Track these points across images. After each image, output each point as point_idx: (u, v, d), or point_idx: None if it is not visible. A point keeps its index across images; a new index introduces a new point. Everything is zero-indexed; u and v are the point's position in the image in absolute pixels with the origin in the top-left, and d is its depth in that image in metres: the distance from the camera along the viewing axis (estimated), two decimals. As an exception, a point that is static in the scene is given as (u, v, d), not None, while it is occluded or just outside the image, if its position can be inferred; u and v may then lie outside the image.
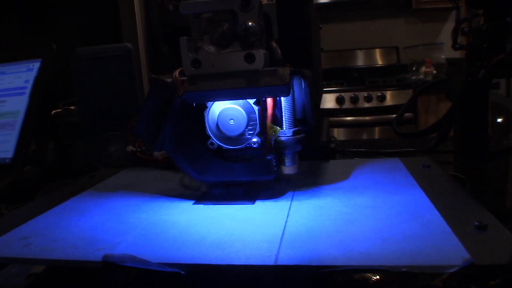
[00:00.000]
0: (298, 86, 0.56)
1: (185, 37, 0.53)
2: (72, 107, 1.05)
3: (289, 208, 0.52)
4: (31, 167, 0.91)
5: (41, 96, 0.86)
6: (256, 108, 0.55)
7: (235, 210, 0.54)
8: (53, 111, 1.03)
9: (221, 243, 0.43)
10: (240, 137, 0.56)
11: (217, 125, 0.56)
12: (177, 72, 0.54)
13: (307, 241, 0.42)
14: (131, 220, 0.52)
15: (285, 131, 0.56)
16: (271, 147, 0.56)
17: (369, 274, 0.40)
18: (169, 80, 0.56)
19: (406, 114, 0.93)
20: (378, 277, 0.40)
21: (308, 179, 0.64)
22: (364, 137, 2.65)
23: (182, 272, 0.38)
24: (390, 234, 0.42)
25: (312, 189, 0.59)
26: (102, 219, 0.53)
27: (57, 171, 0.92)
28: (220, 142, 0.57)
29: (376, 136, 2.65)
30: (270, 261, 0.38)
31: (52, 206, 0.60)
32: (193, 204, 0.57)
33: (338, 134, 2.65)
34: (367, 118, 2.63)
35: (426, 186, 0.56)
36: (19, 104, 0.86)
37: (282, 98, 0.56)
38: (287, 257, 0.38)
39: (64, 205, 0.60)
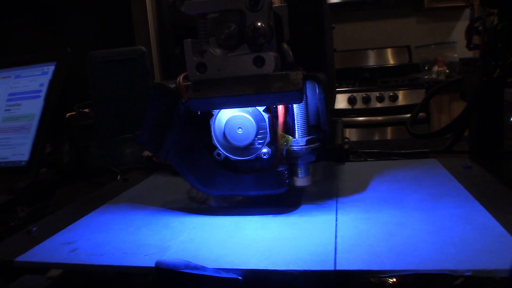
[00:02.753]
0: (311, 91, 0.52)
1: (190, 40, 0.50)
2: (87, 110, 1.06)
3: (336, 212, 0.51)
4: (47, 170, 0.92)
5: (56, 99, 0.86)
6: (266, 115, 0.51)
7: (279, 214, 0.52)
8: (68, 114, 1.04)
9: (273, 248, 0.42)
10: (249, 147, 0.52)
11: (224, 134, 0.52)
12: (181, 77, 0.51)
13: (362, 244, 0.41)
14: (175, 224, 0.51)
15: (298, 140, 0.52)
16: (283, 158, 0.52)
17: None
18: (173, 85, 0.52)
19: (419, 114, 0.92)
20: (395, 279, 0.40)
21: (348, 183, 0.63)
22: (376, 137, 2.64)
23: (240, 278, 0.37)
24: (446, 237, 0.41)
25: (355, 193, 0.58)
26: (144, 223, 0.52)
27: (73, 173, 0.93)
28: (227, 153, 0.53)
29: (389, 136, 2.63)
30: (329, 267, 0.37)
31: (89, 210, 0.59)
32: (235, 208, 0.56)
33: (350, 134, 2.64)
34: (379, 118, 2.62)
35: (471, 188, 0.54)
36: (34, 107, 0.87)
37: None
38: (346, 262, 0.37)
39: (102, 209, 0.60)
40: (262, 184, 0.52)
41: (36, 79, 0.89)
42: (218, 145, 0.53)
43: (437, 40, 3.06)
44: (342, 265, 0.37)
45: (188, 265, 0.38)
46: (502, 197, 0.51)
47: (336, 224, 0.47)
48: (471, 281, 0.36)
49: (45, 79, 0.88)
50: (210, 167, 0.54)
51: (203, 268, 0.38)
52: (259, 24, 0.47)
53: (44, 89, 0.87)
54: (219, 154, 0.53)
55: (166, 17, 1.87)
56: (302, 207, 0.54)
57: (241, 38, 0.49)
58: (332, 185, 0.62)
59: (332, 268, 0.37)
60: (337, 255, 0.39)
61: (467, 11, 0.78)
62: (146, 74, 0.95)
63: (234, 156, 0.53)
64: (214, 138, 0.53)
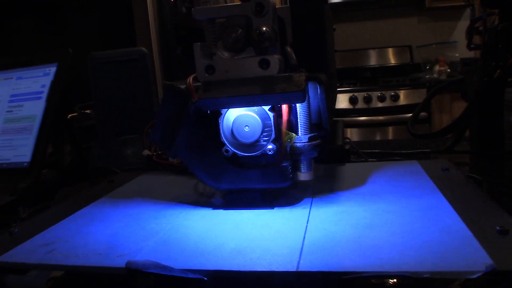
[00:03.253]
0: (313, 91, 0.55)
1: (199, 43, 0.52)
2: (88, 111, 1.06)
3: (309, 213, 0.52)
4: (49, 170, 0.92)
5: (57, 100, 0.86)
6: (271, 114, 0.54)
7: (254, 215, 0.53)
8: (70, 115, 1.04)
9: (242, 249, 0.43)
10: (255, 144, 0.55)
11: (231, 132, 0.55)
12: (191, 78, 0.54)
13: (328, 247, 0.42)
14: (152, 225, 0.52)
15: (301, 137, 0.55)
16: (287, 154, 0.55)
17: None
18: (183, 86, 0.55)
19: (421, 114, 0.93)
20: (395, 280, 0.40)
21: (326, 184, 0.64)
22: (378, 137, 2.64)
23: (205, 278, 0.39)
24: (411, 239, 0.42)
25: (331, 194, 0.59)
26: (122, 225, 0.53)
27: (74, 174, 0.93)
28: (235, 149, 0.56)
29: (390, 136, 2.64)
30: (292, 268, 0.38)
31: (72, 211, 0.60)
32: (212, 209, 0.57)
33: (352, 134, 2.65)
34: (381, 118, 2.62)
35: (446, 190, 0.55)
36: (36, 109, 0.87)
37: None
38: (309, 264, 0.38)
39: (84, 211, 0.61)
40: (267, 179, 0.55)
41: (38, 80, 0.90)
42: (226, 142, 0.56)
43: (439, 40, 3.06)
44: (304, 267, 0.38)
45: (157, 266, 0.39)
46: (475, 200, 0.51)
47: (306, 225, 0.48)
48: (471, 283, 0.37)
49: (47, 80, 0.88)
50: (218, 163, 0.57)
51: (171, 268, 0.39)
52: (264, 28, 0.50)
53: (46, 90, 0.88)
54: (227, 151, 0.56)
55: (167, 18, 1.87)
56: (277, 208, 0.55)
57: (247, 41, 0.51)
58: (309, 186, 0.63)
59: (295, 270, 0.38)
60: (302, 257, 0.40)
61: (468, 11, 0.78)
62: (147, 75, 0.95)
63: (241, 152, 0.56)
64: (222, 135, 0.56)
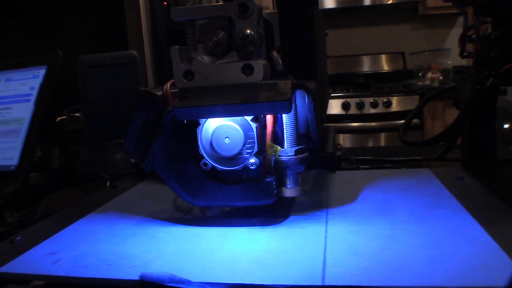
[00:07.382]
0: (301, 99, 0.51)
1: (177, 46, 0.49)
2: (77, 114, 1.05)
3: (326, 223, 0.50)
4: (36, 174, 0.91)
5: (46, 103, 0.85)
6: (254, 125, 0.49)
7: (268, 224, 0.51)
8: (58, 118, 1.03)
9: (261, 261, 0.41)
10: (236, 157, 0.50)
11: (211, 144, 0.51)
12: (169, 85, 0.50)
13: (351, 258, 0.40)
14: (162, 234, 0.50)
15: (287, 150, 0.50)
16: (271, 168, 0.50)
17: None
18: (160, 93, 0.51)
19: (413, 121, 0.92)
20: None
21: (338, 192, 0.62)
22: (370, 143, 2.64)
23: None
24: (437, 251, 0.40)
25: (346, 203, 0.57)
26: (131, 233, 0.51)
27: (63, 178, 0.92)
28: (214, 163, 0.51)
29: (382, 142, 2.64)
30: (316, 282, 0.36)
31: (77, 218, 0.58)
32: (224, 217, 0.55)
33: (344, 140, 2.64)
34: (373, 124, 2.62)
35: (463, 199, 0.54)
36: (24, 111, 0.86)
37: (283, 114, 0.50)
38: (334, 277, 0.36)
39: (89, 217, 0.59)
40: (249, 195, 0.51)
41: (27, 83, 0.89)
42: (205, 155, 0.52)
43: (432, 47, 3.07)
44: (330, 281, 0.36)
45: (172, 279, 0.37)
46: (494, 210, 0.50)
47: (325, 236, 0.46)
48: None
49: (36, 83, 0.87)
50: (196, 177, 0.53)
51: (188, 282, 0.37)
52: (248, 31, 0.47)
53: (35, 93, 0.87)
54: (205, 164, 0.52)
55: (160, 22, 1.86)
56: (291, 218, 0.53)
57: (230, 45, 0.48)
58: (322, 195, 0.60)
59: (320, 284, 0.36)
60: (326, 270, 0.38)
61: (461, 18, 0.78)
62: (138, 79, 0.94)
63: (221, 166, 0.52)
64: (200, 147, 0.52)
